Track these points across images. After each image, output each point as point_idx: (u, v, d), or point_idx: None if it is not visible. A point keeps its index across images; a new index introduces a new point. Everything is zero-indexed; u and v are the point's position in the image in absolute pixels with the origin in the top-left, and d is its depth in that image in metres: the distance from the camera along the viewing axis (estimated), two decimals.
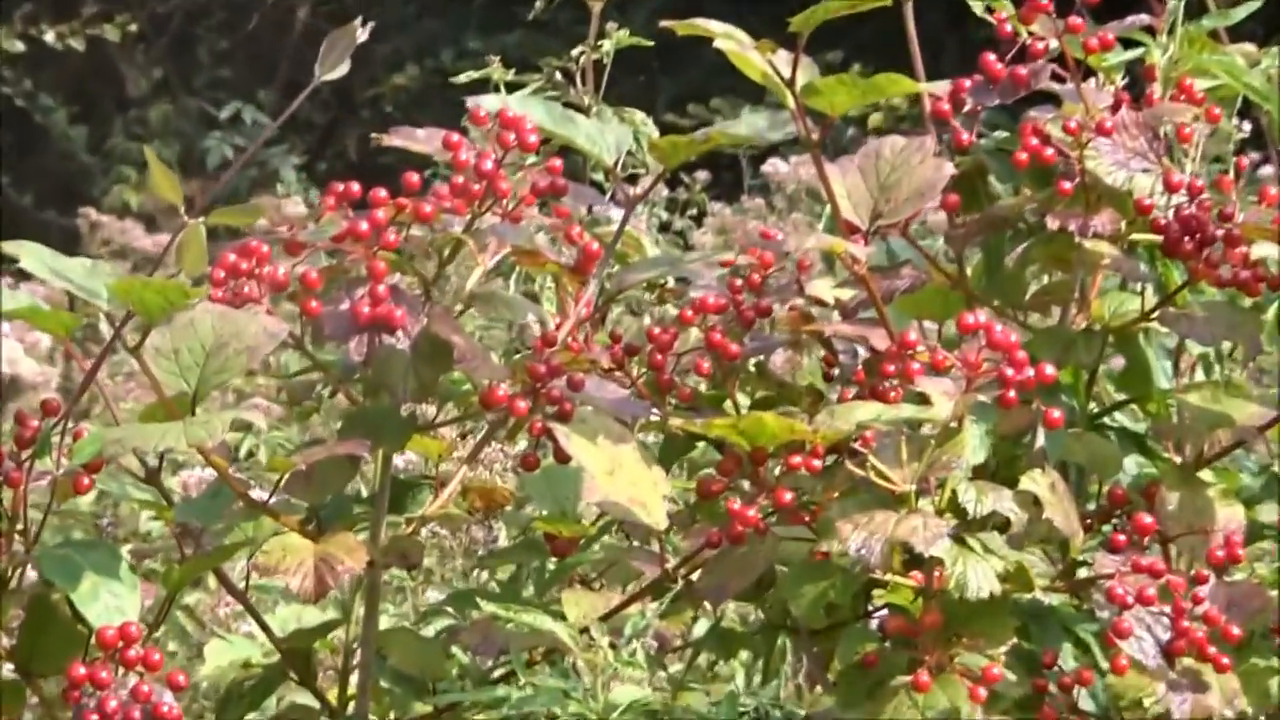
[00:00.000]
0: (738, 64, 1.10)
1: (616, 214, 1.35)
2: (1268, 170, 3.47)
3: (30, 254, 1.05)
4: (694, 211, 3.69)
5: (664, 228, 3.52)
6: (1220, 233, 1.09)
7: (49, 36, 8.15)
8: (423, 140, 1.14)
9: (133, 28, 7.83)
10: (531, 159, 1.18)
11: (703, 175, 3.66)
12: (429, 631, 1.27)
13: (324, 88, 1.16)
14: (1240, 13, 1.23)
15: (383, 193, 1.10)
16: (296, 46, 8.25)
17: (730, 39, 1.07)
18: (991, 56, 1.13)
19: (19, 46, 8.07)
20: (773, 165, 4.17)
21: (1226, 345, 1.24)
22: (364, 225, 1.05)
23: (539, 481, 1.17)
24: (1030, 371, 0.98)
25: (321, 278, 1.10)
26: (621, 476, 1.03)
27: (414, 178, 1.08)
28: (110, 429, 1.05)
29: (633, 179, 1.41)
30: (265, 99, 7.89)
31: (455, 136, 1.10)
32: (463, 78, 1.74)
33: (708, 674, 1.40)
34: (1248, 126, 1.46)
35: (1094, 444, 1.14)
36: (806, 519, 1.04)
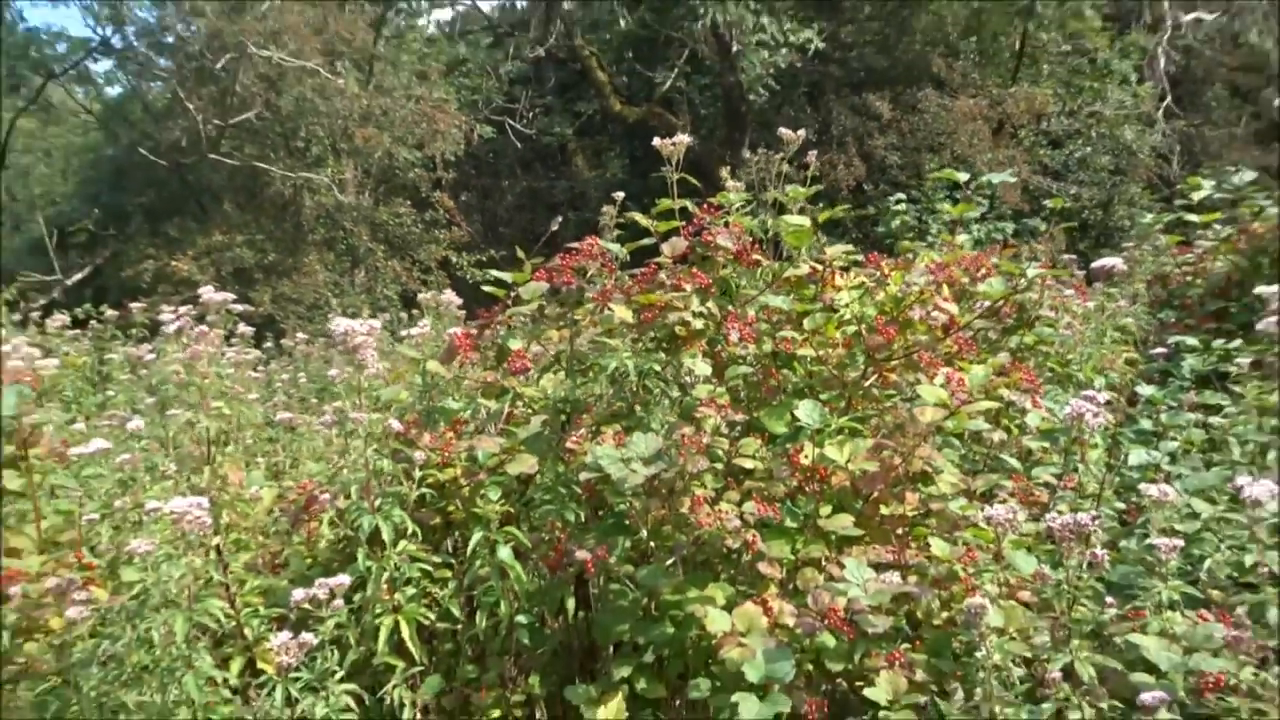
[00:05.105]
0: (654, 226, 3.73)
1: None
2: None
3: (499, 273, 3.60)
4: None
5: None
6: (758, 254, 3.72)
7: None
8: (585, 247, 3.68)
9: None
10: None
11: None
12: None
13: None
14: (801, 194, 3.87)
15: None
16: None
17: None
18: (697, 216, 3.76)
19: None
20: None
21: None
22: (565, 279, 3.63)
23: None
24: None
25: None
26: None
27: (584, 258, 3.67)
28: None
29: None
30: None
31: (594, 246, 3.65)
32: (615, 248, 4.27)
33: None
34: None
35: None
36: None
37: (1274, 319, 3.65)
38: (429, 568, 2.98)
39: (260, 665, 2.87)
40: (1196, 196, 5.85)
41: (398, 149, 18.77)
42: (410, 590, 2.90)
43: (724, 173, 3.88)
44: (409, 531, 2.93)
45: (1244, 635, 2.29)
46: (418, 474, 3.02)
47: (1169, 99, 19.52)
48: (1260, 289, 3.84)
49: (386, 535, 2.86)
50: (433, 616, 2.98)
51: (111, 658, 2.61)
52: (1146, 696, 2.24)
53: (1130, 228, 11.79)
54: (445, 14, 25.09)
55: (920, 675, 2.58)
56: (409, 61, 20.70)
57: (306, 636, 2.39)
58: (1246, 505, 2.48)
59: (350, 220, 18.71)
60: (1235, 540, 2.77)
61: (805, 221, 3.64)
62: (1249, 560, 2.66)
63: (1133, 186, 17.80)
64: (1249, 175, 5.74)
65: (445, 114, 19.10)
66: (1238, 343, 4.19)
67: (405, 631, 2.81)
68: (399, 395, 3.56)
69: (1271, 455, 3.45)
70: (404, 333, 3.79)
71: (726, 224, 3.72)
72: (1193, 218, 5.83)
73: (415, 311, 6.41)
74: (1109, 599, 2.63)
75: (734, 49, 18.28)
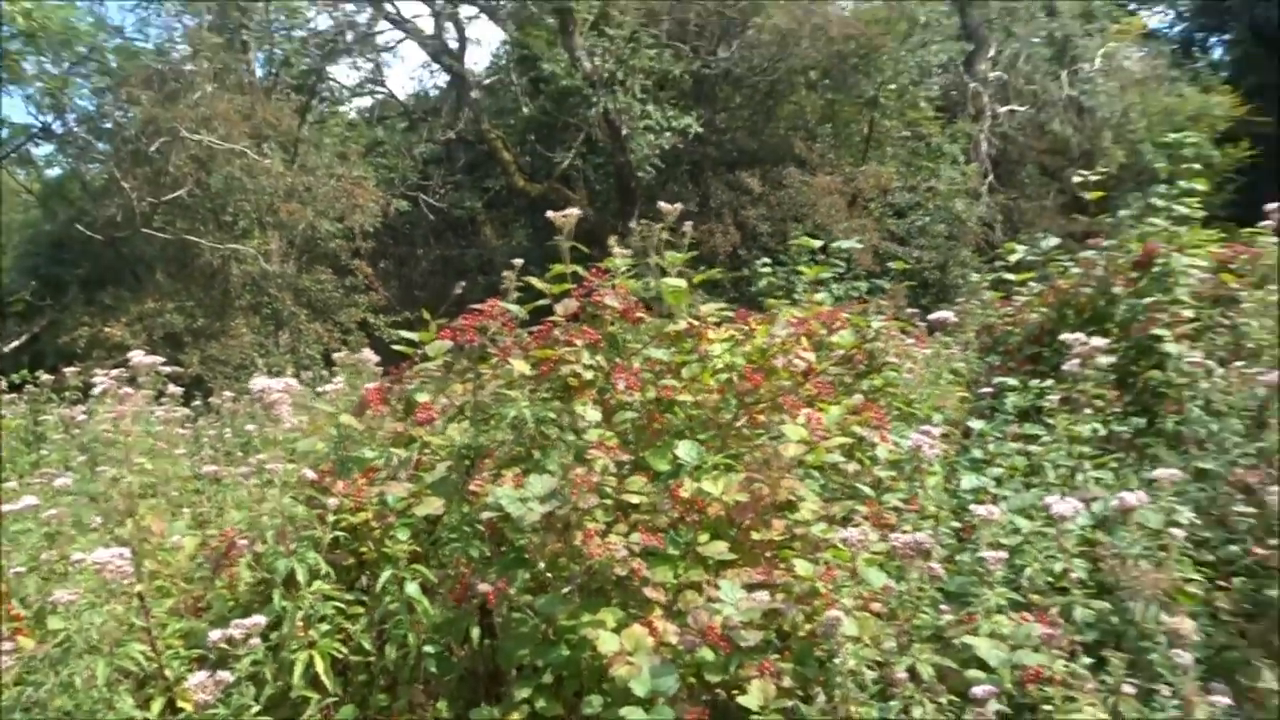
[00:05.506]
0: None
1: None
2: None
3: (408, 333, 3.54)
4: None
5: None
6: (642, 312, 3.75)
7: None
8: (487, 308, 3.66)
9: None
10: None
11: None
12: None
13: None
14: (678, 259, 3.91)
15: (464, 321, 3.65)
16: None
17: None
18: (587, 280, 3.77)
19: None
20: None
21: None
22: (468, 337, 3.60)
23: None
24: None
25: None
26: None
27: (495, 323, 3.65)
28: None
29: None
30: None
31: (495, 308, 3.64)
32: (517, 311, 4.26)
33: None
34: None
35: None
36: None
37: (1076, 361, 3.82)
38: (342, 605, 2.89)
39: (180, 704, 2.72)
40: (1013, 258, 6.12)
41: (320, 221, 18.48)
42: (324, 626, 2.81)
43: (611, 240, 3.92)
44: (323, 572, 2.83)
45: (1056, 633, 2.37)
46: (331, 518, 2.94)
47: (991, 177, 20.47)
48: (1064, 336, 4.02)
49: (301, 576, 2.76)
50: (346, 650, 2.88)
51: (35, 704, 2.46)
52: (977, 690, 2.29)
53: (963, 286, 12.29)
54: (365, 101, 24.92)
55: (788, 682, 2.59)
56: (331, 143, 20.47)
57: (223, 674, 2.29)
58: (1056, 521, 2.57)
59: (275, 287, 18.25)
60: (1049, 551, 2.87)
61: (682, 283, 3.69)
62: (1058, 567, 2.76)
63: (964, 250, 18.54)
64: (1053, 241, 6.04)
65: (364, 190, 18.92)
66: (1050, 382, 4.36)
67: (319, 665, 2.71)
68: (315, 446, 3.47)
69: (1079, 477, 3.59)
70: (320, 389, 3.70)
71: (614, 286, 3.74)
72: (1011, 276, 6.09)
73: (336, 369, 6.28)
74: (943, 606, 2.69)
75: (624, 133, 18.55)
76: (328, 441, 3.52)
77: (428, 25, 21.33)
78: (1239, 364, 4.08)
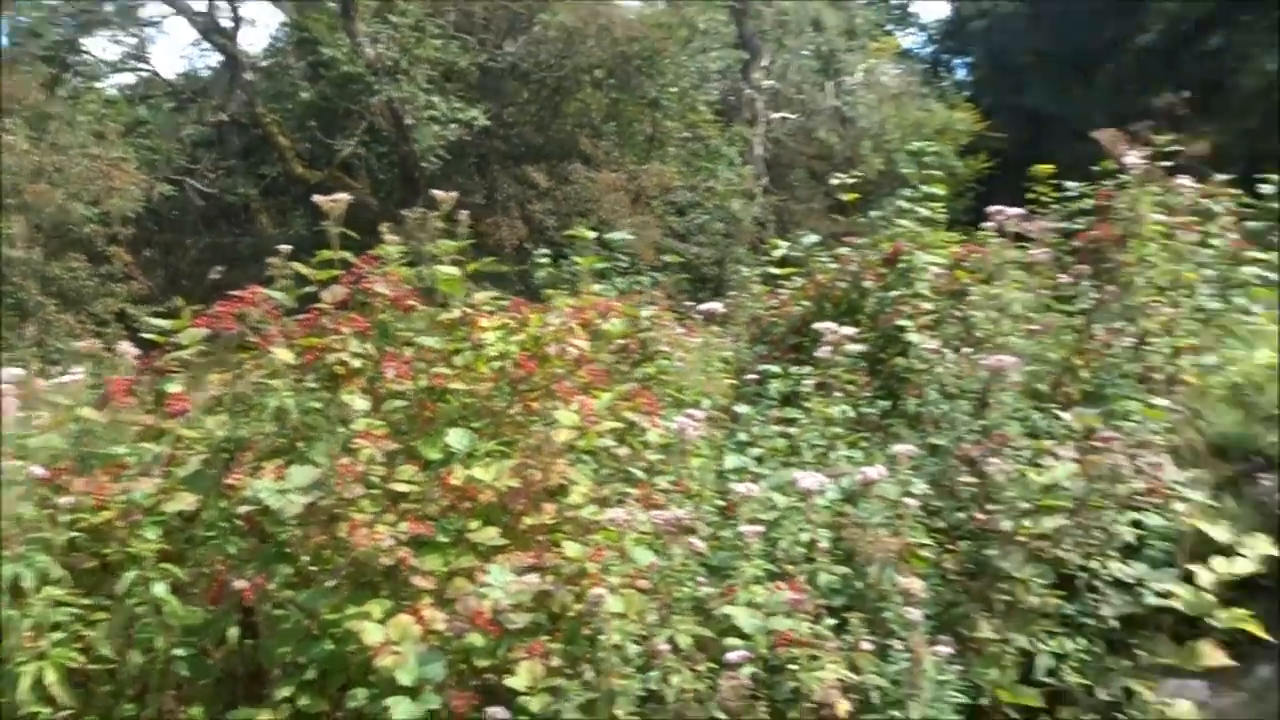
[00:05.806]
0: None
1: None
2: None
3: (157, 324, 3.28)
4: None
5: None
6: (414, 300, 3.65)
7: None
8: (248, 295, 3.43)
9: None
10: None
11: None
12: None
13: None
14: (451, 248, 3.81)
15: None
16: None
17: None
18: (356, 266, 3.63)
19: None
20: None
21: None
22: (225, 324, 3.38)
23: None
24: None
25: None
26: None
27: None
28: None
29: None
30: None
31: (256, 294, 3.43)
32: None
33: None
34: None
35: None
36: None
37: (828, 348, 4.06)
38: (80, 610, 2.64)
39: None
40: (777, 254, 6.43)
41: (72, 205, 16.83)
42: (58, 635, 2.55)
43: (383, 228, 3.79)
44: (56, 577, 2.58)
45: (803, 598, 2.52)
46: (66, 518, 2.69)
47: (765, 179, 21.49)
48: (817, 325, 4.26)
49: (29, 581, 2.50)
50: (85, 659, 2.64)
51: None
52: (731, 656, 2.39)
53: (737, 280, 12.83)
54: (127, 78, 22.91)
55: (556, 661, 2.61)
56: (87, 121, 18.66)
57: None
58: (805, 496, 2.73)
59: (19, 274, 16.46)
60: (802, 524, 3.04)
61: (456, 271, 3.62)
62: (807, 538, 2.94)
63: (740, 247, 19.36)
64: (814, 238, 6.39)
65: (123, 172, 17.38)
66: (808, 369, 4.61)
67: (51, 677, 2.47)
68: (50, 442, 3.15)
69: (832, 456, 3.83)
70: (55, 381, 3.37)
71: (385, 273, 3.63)
72: (776, 271, 6.39)
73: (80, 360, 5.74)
74: (701, 578, 2.80)
75: (408, 122, 18.05)
76: (66, 437, 3.21)
77: (198, 1, 19.91)
78: (968, 350, 4.48)
